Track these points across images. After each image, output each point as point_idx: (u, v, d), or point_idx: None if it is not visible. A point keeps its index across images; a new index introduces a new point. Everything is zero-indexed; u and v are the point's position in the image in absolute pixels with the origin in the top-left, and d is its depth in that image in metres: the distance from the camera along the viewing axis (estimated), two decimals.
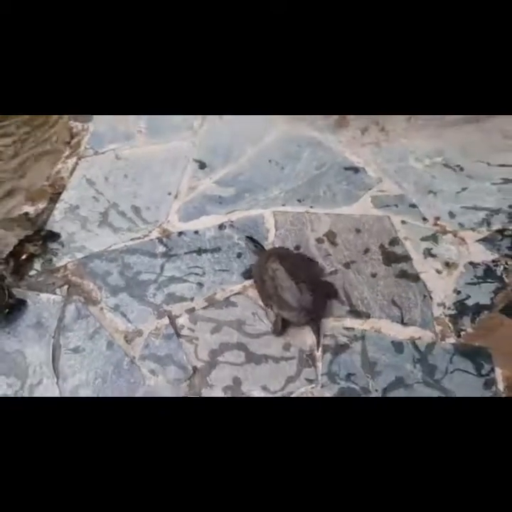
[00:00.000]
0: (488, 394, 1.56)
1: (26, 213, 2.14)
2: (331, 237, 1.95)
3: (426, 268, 1.83)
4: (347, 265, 1.87)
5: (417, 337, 1.69)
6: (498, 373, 1.59)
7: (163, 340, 1.76)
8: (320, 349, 1.69)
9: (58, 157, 2.38)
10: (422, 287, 1.79)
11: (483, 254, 1.84)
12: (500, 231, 1.88)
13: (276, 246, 1.92)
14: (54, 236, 2.06)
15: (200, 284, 1.87)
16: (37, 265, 1.99)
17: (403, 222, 1.95)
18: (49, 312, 1.86)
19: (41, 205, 2.18)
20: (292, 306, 1.67)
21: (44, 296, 1.90)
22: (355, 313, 1.76)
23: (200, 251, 1.95)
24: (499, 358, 1.62)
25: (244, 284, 1.85)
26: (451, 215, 1.94)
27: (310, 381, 1.65)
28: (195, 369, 1.69)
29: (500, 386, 1.57)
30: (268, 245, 1.94)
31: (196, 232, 2.01)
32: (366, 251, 1.89)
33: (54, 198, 2.20)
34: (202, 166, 2.22)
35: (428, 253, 1.86)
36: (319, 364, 1.67)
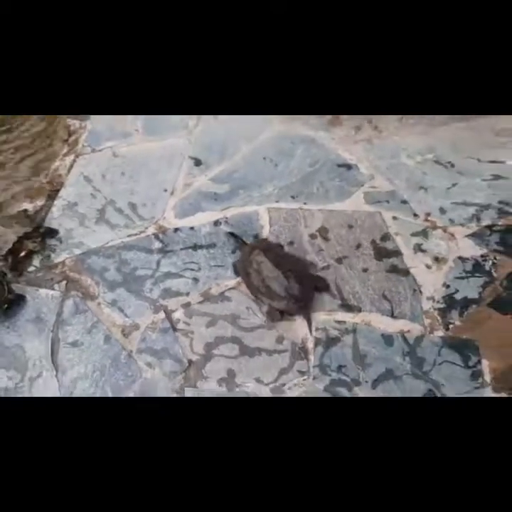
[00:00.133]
0: (475, 385, 1.60)
1: (25, 210, 2.18)
2: (323, 232, 1.99)
3: (416, 263, 1.87)
4: (339, 260, 1.91)
5: (407, 330, 1.73)
6: (485, 365, 1.64)
7: (160, 334, 1.80)
8: (312, 338, 1.73)
9: (56, 155, 2.42)
10: (411, 282, 1.83)
11: (472, 249, 1.88)
12: (490, 226, 1.92)
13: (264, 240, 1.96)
14: (52, 233, 2.10)
15: (196, 279, 1.91)
16: (36, 261, 2.04)
17: (394, 218, 1.99)
18: (48, 307, 1.90)
19: (40, 203, 2.22)
20: (281, 295, 1.72)
21: (43, 291, 1.94)
22: (347, 307, 1.80)
23: (195, 247, 2.00)
24: (486, 350, 1.66)
25: (239, 279, 1.89)
26: (442, 210, 1.98)
27: (302, 373, 1.69)
28: (190, 362, 1.74)
29: (487, 377, 1.62)
30: None
31: (192, 228, 2.05)
32: (358, 246, 1.93)
33: (52, 195, 2.24)
34: (197, 163, 2.26)
35: (418, 248, 1.90)
36: (311, 356, 1.72)
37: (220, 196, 2.13)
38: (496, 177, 2.04)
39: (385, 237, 1.94)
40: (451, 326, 1.72)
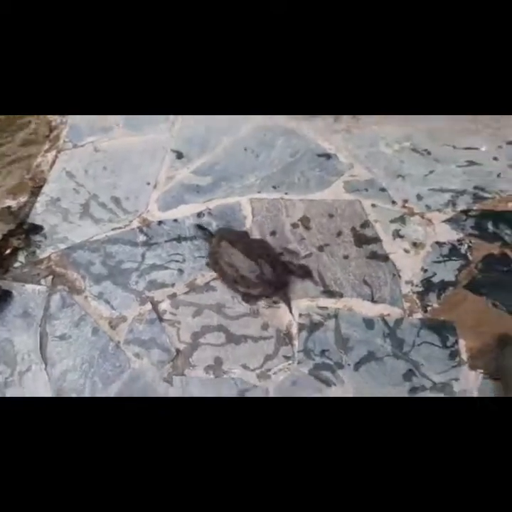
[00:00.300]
0: (452, 364, 1.67)
1: (8, 207, 2.18)
2: (305, 222, 2.03)
3: (395, 248, 1.92)
4: (321, 248, 1.96)
5: (387, 313, 1.79)
6: (462, 345, 1.70)
7: (147, 324, 1.84)
8: (296, 324, 1.79)
9: (38, 151, 2.43)
10: (391, 267, 1.88)
11: (449, 234, 1.94)
12: (465, 211, 1.98)
13: (252, 232, 2.01)
14: (36, 229, 2.11)
15: (181, 271, 1.95)
16: (21, 257, 2.05)
17: (373, 205, 2.04)
18: (35, 302, 1.92)
19: (23, 199, 2.23)
20: (256, 282, 1.76)
21: (29, 286, 1.96)
22: (329, 293, 1.85)
23: (179, 239, 2.03)
24: (463, 330, 1.73)
25: None
26: (419, 197, 2.04)
27: (287, 358, 1.74)
28: (178, 351, 1.78)
29: (464, 356, 1.68)
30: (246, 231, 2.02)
31: (175, 220, 2.08)
32: (339, 234, 1.98)
33: (35, 192, 2.25)
34: (179, 156, 2.28)
35: (397, 234, 1.95)
36: (295, 342, 1.77)
37: (202, 188, 2.16)
38: (471, 163, 2.10)
39: (365, 224, 1.99)
40: (429, 309, 1.78)
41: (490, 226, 1.93)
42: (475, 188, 2.04)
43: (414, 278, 1.85)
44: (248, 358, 1.76)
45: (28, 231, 2.09)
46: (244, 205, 2.10)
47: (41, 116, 2.55)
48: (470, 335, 1.72)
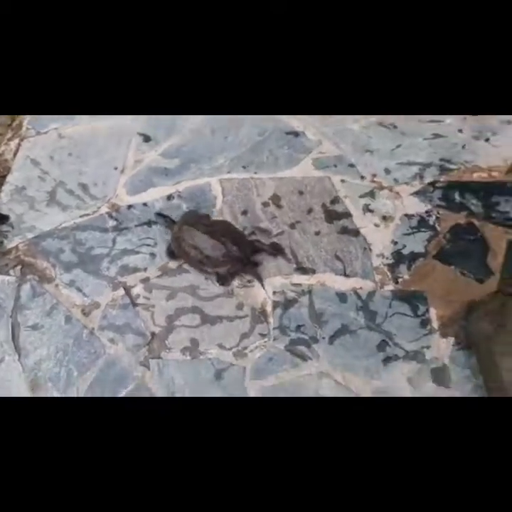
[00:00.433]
0: (424, 332, 1.71)
1: None
2: (275, 200, 2.03)
3: (365, 223, 1.94)
4: (292, 226, 1.96)
5: (359, 287, 1.81)
6: (433, 313, 1.74)
7: (120, 310, 1.82)
8: (270, 302, 1.80)
9: (1, 140, 2.36)
10: (362, 241, 1.91)
11: (417, 206, 1.97)
12: (432, 183, 2.01)
13: (221, 217, 2.00)
14: (3, 218, 2.06)
15: (153, 255, 1.93)
16: None
17: (342, 181, 2.05)
18: (5, 293, 1.88)
19: None
20: (223, 260, 1.76)
21: None
22: (302, 269, 1.87)
23: (150, 222, 2.01)
24: (433, 299, 1.76)
25: None
26: (387, 171, 2.06)
27: (263, 335, 1.75)
28: (153, 334, 1.77)
29: (435, 324, 1.72)
30: (216, 212, 2.01)
31: (145, 204, 2.06)
32: (309, 211, 1.99)
33: None
34: (146, 139, 2.25)
35: (366, 209, 1.97)
36: (271, 319, 1.78)
37: (171, 171, 2.14)
38: (436, 136, 2.12)
39: (335, 200, 2.01)
40: (400, 280, 1.81)
41: (456, 197, 1.96)
42: (441, 160, 2.06)
43: (385, 251, 1.88)
44: (224, 338, 1.76)
45: None
46: (214, 186, 2.08)
47: None
48: (440, 303, 1.76)
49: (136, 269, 1.90)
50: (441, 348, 1.68)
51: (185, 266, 1.90)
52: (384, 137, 2.16)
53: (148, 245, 1.95)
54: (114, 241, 1.97)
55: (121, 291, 1.86)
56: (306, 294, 1.81)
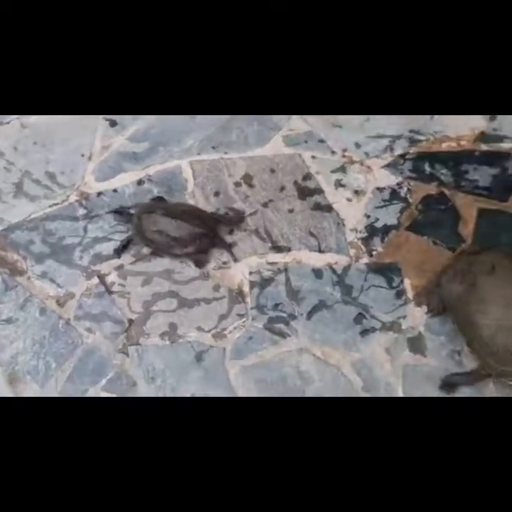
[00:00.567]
0: (400, 303, 1.73)
1: None
2: (247, 179, 2.02)
3: (337, 198, 1.94)
4: (265, 205, 1.96)
5: (334, 262, 1.82)
6: (407, 283, 1.76)
7: (96, 298, 1.80)
8: (247, 282, 1.80)
9: None
10: (335, 216, 1.91)
11: (388, 179, 1.97)
12: (402, 155, 2.02)
13: (193, 200, 1.98)
14: None
15: None
16: None
17: (313, 157, 2.04)
18: None
19: None
20: (190, 238, 1.76)
21: None
22: (277, 248, 1.87)
23: (121, 209, 1.97)
24: (407, 270, 1.79)
25: None
26: (357, 145, 2.05)
27: (241, 316, 1.75)
28: (130, 321, 1.76)
29: (410, 295, 1.75)
30: (188, 195, 1.99)
31: (115, 190, 2.02)
32: (282, 189, 1.98)
33: None
34: (112, 123, 2.20)
35: (338, 184, 1.97)
36: (248, 299, 1.78)
37: (139, 155, 2.10)
38: None
39: (307, 176, 2.00)
40: (374, 253, 1.83)
41: (426, 167, 1.98)
42: (410, 131, 2.07)
43: (358, 225, 1.89)
44: (202, 320, 1.76)
45: None
46: (184, 169, 2.06)
47: None
48: (414, 274, 1.78)
49: (109, 257, 1.87)
50: (417, 317, 1.71)
51: None
52: None
53: (120, 232, 1.92)
54: (85, 229, 1.94)
55: (96, 280, 1.83)
56: (282, 272, 1.82)
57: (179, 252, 1.79)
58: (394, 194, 1.94)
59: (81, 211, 1.98)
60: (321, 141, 2.08)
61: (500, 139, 2.00)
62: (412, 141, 2.04)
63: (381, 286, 1.76)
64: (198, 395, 1.62)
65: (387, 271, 1.79)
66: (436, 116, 2.08)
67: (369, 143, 2.05)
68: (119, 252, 1.86)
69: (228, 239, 1.87)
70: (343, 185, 1.97)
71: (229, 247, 1.85)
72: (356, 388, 1.61)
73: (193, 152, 2.10)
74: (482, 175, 1.94)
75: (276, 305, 1.76)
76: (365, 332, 1.69)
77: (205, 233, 1.78)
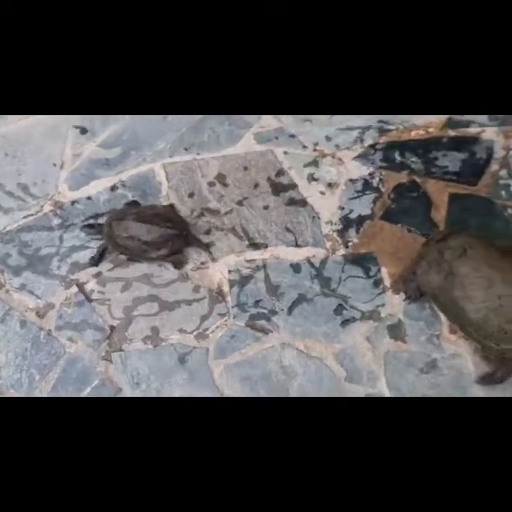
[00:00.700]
0: (377, 292, 1.75)
1: None
2: (221, 179, 2.02)
3: (311, 192, 1.96)
4: (240, 203, 1.97)
5: (311, 255, 1.84)
6: (384, 272, 1.79)
7: (76, 308, 1.80)
8: (226, 281, 1.81)
9: None
10: (310, 210, 1.93)
11: (360, 170, 1.99)
12: (372, 146, 2.04)
13: (167, 202, 1.98)
14: None
15: None
16: None
17: (285, 152, 2.05)
18: None
19: None
20: (162, 241, 1.77)
21: None
22: (254, 245, 1.88)
23: (96, 216, 1.97)
24: (383, 259, 1.81)
25: None
26: (328, 138, 2.07)
27: (222, 315, 1.76)
28: (112, 328, 1.76)
29: (387, 283, 1.77)
30: (162, 198, 1.99)
31: (89, 197, 2.01)
32: (256, 186, 1.99)
33: None
34: (83, 131, 2.19)
35: (311, 178, 1.99)
36: (228, 298, 1.79)
37: (112, 161, 2.09)
38: None
39: (280, 172, 2.01)
40: (350, 244, 1.85)
41: (397, 156, 2.00)
42: (379, 121, 2.09)
43: (333, 217, 1.91)
44: (184, 322, 1.76)
45: None
46: (157, 172, 2.06)
47: None
48: (390, 262, 1.80)
49: (87, 265, 1.87)
50: (395, 304, 1.73)
51: None
52: None
53: (96, 239, 1.91)
54: (61, 239, 1.93)
55: (75, 289, 1.83)
56: (261, 269, 1.83)
57: (154, 255, 1.79)
58: (366, 185, 1.96)
59: (56, 221, 1.97)
60: (292, 136, 2.09)
61: (467, 124, 2.03)
62: (382, 131, 2.06)
63: (359, 277, 1.79)
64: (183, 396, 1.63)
65: (363, 261, 1.81)
66: None
67: (339, 135, 2.07)
68: (96, 261, 1.86)
69: (205, 239, 1.88)
70: (316, 179, 1.98)
71: (205, 246, 1.85)
72: (340, 378, 1.64)
73: (165, 155, 2.10)
74: (451, 160, 1.97)
75: (257, 302, 1.78)
76: (345, 322, 1.72)
77: (178, 234, 1.79)
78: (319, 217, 1.91)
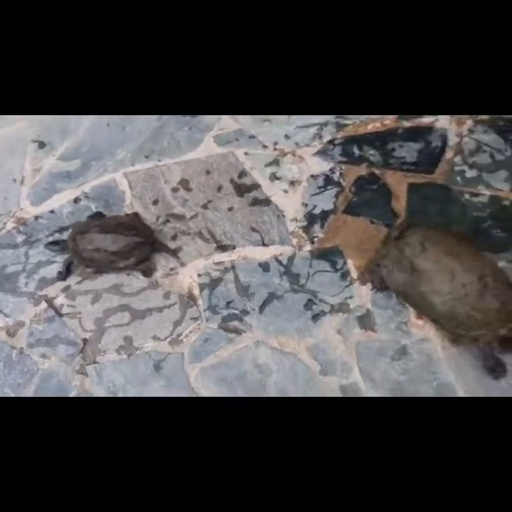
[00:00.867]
0: (345, 284, 1.79)
1: None
2: (184, 184, 2.03)
3: (274, 191, 1.99)
4: (205, 206, 1.98)
5: (279, 253, 1.86)
6: (350, 264, 1.82)
7: (46, 323, 1.79)
8: (196, 285, 1.83)
9: None
10: (274, 209, 1.95)
11: (321, 166, 2.03)
12: (331, 141, 2.07)
13: (131, 211, 1.98)
14: None
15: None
16: None
17: (246, 153, 2.07)
18: None
19: None
20: (128, 250, 1.78)
21: None
22: (222, 247, 1.89)
23: (61, 230, 1.96)
24: (348, 251, 1.85)
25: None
26: (287, 137, 2.10)
27: (195, 319, 1.78)
28: (85, 341, 1.75)
29: (354, 275, 1.81)
30: (127, 207, 1.99)
31: (52, 211, 2.00)
32: (219, 188, 2.01)
33: None
34: (41, 145, 2.17)
35: (274, 177, 2.01)
36: (200, 301, 1.81)
37: (72, 173, 2.08)
38: None
39: (242, 173, 2.03)
40: (315, 239, 1.88)
41: (355, 150, 2.04)
42: (336, 117, 2.13)
43: (297, 214, 1.94)
44: (157, 329, 1.77)
45: None
46: (119, 181, 2.05)
47: None
48: (356, 254, 1.84)
49: (54, 280, 1.86)
50: (363, 295, 1.77)
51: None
52: None
53: (63, 254, 1.90)
54: (26, 255, 1.91)
55: (44, 305, 1.82)
56: (230, 271, 1.85)
57: (122, 265, 1.79)
58: (328, 180, 1.99)
59: (20, 237, 1.95)
60: (252, 137, 2.11)
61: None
62: (339, 126, 2.10)
63: (326, 271, 1.82)
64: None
65: (330, 255, 1.84)
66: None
67: (298, 133, 2.10)
68: (64, 275, 1.84)
69: (172, 244, 1.89)
70: (278, 178, 2.01)
71: (173, 251, 1.86)
72: (314, 372, 1.67)
73: (126, 163, 2.09)
74: (408, 151, 2.02)
75: (228, 303, 1.79)
76: (316, 317, 1.75)
77: (143, 241, 1.79)
78: (284, 215, 1.94)
